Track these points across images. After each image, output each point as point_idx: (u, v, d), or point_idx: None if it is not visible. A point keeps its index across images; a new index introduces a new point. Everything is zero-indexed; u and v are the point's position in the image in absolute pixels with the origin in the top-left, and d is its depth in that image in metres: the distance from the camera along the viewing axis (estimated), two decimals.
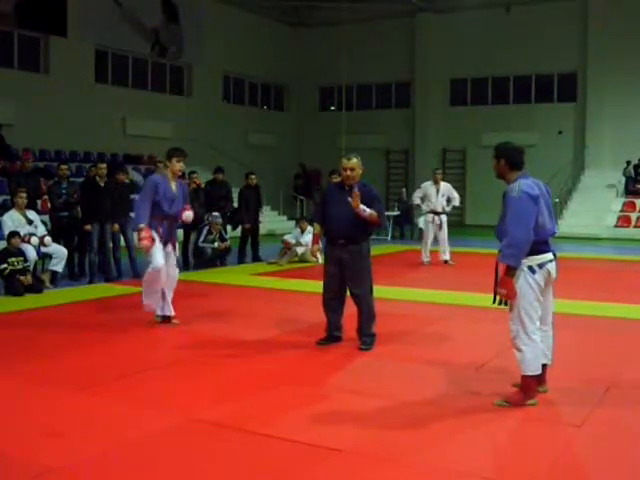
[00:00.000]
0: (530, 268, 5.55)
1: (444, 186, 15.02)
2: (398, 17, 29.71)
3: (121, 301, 10.48)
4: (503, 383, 6.07)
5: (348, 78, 30.19)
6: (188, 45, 26.59)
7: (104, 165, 12.74)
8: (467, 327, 8.92)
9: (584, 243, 20.68)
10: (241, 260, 15.00)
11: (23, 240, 11.07)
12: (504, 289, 5.56)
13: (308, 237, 15.00)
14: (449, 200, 15.06)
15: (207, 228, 14.05)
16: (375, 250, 17.56)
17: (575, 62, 27.50)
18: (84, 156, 21.79)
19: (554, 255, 5.75)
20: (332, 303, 7.68)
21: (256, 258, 15.26)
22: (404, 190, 24.73)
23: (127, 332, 8.23)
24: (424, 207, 15.24)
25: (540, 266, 5.58)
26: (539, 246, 5.58)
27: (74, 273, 12.66)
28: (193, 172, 14.73)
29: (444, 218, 14.98)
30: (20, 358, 7.02)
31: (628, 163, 25.48)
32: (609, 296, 10.77)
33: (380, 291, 10.91)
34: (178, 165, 8.26)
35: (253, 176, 15.22)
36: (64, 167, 13.05)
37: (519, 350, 5.57)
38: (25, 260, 10.99)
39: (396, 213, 22.94)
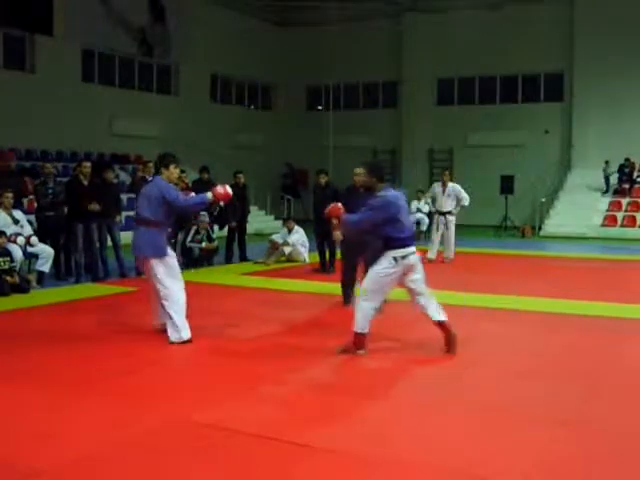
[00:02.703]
0: (394, 258, 7.05)
1: (451, 187, 15.31)
2: (385, 17, 29.74)
3: (108, 301, 10.46)
4: (495, 379, 6.09)
5: (335, 78, 30.22)
6: (175, 44, 26.54)
7: (88, 164, 12.68)
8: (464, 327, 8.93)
9: (570, 242, 20.79)
10: (228, 260, 14.99)
11: (9, 240, 11.03)
12: (334, 211, 7.52)
13: (295, 237, 15.04)
14: (459, 200, 15.26)
15: (194, 228, 14.03)
16: None
17: (561, 62, 27.57)
18: (70, 156, 21.72)
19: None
20: None
21: (243, 258, 15.25)
22: None
23: (115, 332, 8.21)
24: (432, 207, 15.87)
25: (403, 257, 7.08)
26: (403, 241, 7.13)
27: (60, 273, 12.61)
28: (182, 171, 14.70)
29: (450, 218, 15.26)
30: (6, 358, 6.98)
31: (607, 163, 25.50)
32: (595, 295, 10.83)
33: None
34: (176, 172, 7.98)
35: (240, 175, 15.21)
36: (49, 166, 13.00)
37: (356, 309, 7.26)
38: (11, 260, 10.95)
39: None
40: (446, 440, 4.93)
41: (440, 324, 7.30)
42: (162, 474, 4.37)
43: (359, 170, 9.59)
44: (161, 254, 7.71)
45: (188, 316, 7.78)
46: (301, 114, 32.13)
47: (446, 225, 15.25)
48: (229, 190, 7.77)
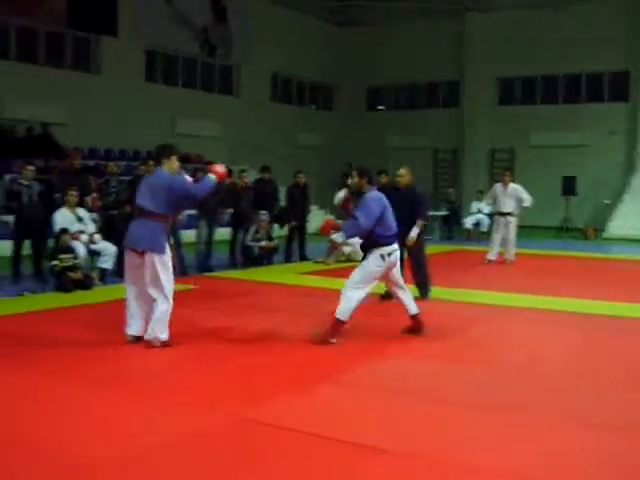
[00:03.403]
0: (381, 256, 7.60)
1: (512, 187, 15.12)
2: (446, 16, 29.51)
3: None
4: (543, 385, 6.01)
5: (395, 77, 30.11)
6: (237, 45, 26.71)
7: (153, 162, 12.82)
8: (513, 328, 8.85)
9: (634, 245, 20.41)
10: (288, 259, 15.04)
11: (73, 237, 11.23)
12: (325, 228, 8.40)
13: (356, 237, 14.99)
14: (520, 201, 15.10)
15: (254, 227, 14.11)
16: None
17: (627, 61, 27.07)
18: (133, 155, 21.99)
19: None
20: None
21: (303, 257, 15.29)
22: (452, 190, 24.58)
23: (173, 326, 8.26)
24: (492, 208, 15.84)
25: (389, 254, 7.62)
26: (389, 239, 7.68)
27: (122, 270, 12.75)
28: (243, 171, 14.84)
29: (511, 219, 15.08)
30: (67, 353, 7.09)
31: None
32: None
33: (437, 292, 10.95)
34: (177, 163, 7.68)
35: (301, 175, 15.26)
36: (113, 165, 13.21)
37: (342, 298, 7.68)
38: (75, 257, 11.15)
39: (444, 213, 22.81)
40: (515, 445, 4.87)
41: (414, 317, 8.03)
42: (214, 472, 4.38)
43: (403, 171, 10.35)
44: (162, 251, 7.35)
45: (246, 314, 7.82)
46: (361, 114, 32.05)
47: (507, 226, 15.08)
48: (224, 168, 7.80)
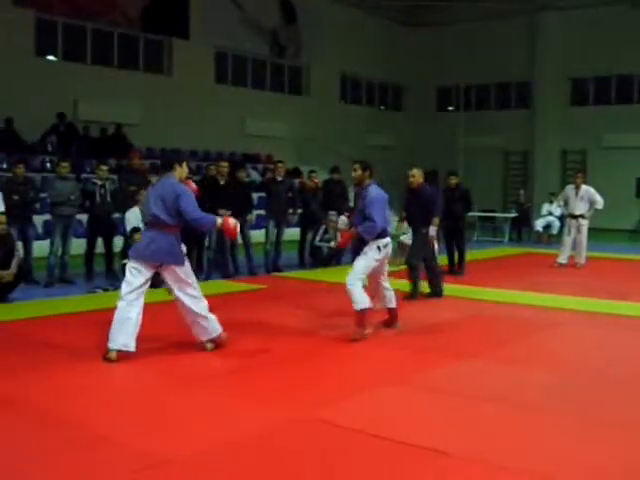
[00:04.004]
0: (378, 247, 7.96)
1: (585, 189, 14.81)
2: (518, 15, 29.09)
3: (235, 297, 10.65)
4: (620, 391, 5.88)
5: (466, 78, 29.85)
6: (306, 45, 26.82)
7: (226, 163, 13.01)
8: (584, 333, 8.69)
9: None
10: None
11: None
12: (346, 241, 8.79)
13: None
14: (592, 204, 14.81)
15: (323, 227, 14.12)
16: (492, 252, 17.46)
17: None
18: (203, 155, 22.23)
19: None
20: None
21: None
22: (522, 192, 24.26)
23: (242, 327, 8.32)
24: (564, 210, 15.63)
25: (385, 246, 8.03)
26: (385, 232, 8.06)
27: (192, 269, 12.90)
28: (312, 172, 14.88)
29: (582, 222, 14.76)
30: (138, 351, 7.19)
31: None
32: None
33: (503, 295, 10.84)
34: (186, 170, 7.36)
35: None
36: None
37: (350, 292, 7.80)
38: None
39: (513, 215, 22.54)
40: (589, 454, 4.76)
41: (392, 310, 8.39)
42: (282, 470, 4.38)
43: (415, 171, 10.69)
44: (183, 262, 7.20)
45: (314, 314, 7.83)
46: (431, 114, 31.82)
47: (578, 229, 14.77)
48: (238, 229, 7.46)
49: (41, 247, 12.37)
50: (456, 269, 13.23)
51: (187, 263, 7.27)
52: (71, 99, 19.90)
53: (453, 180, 13.33)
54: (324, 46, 26.93)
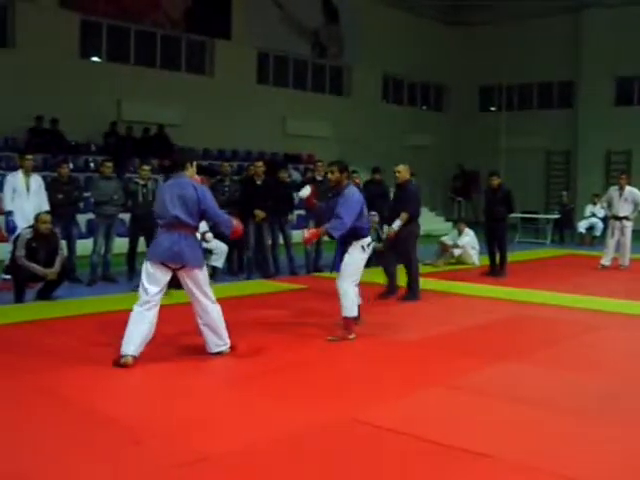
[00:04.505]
0: (362, 247, 7.93)
1: (628, 191, 14.64)
2: (562, 13, 28.76)
3: (276, 297, 10.67)
4: None
5: (508, 77, 29.61)
6: (348, 45, 26.80)
7: (260, 163, 13.04)
8: (629, 336, 8.59)
9: None
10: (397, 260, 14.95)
11: None
12: (312, 237, 8.40)
13: (465, 239, 14.84)
14: (637, 205, 14.63)
15: None
16: (534, 254, 17.31)
17: None
18: (245, 155, 22.33)
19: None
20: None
21: None
22: (565, 193, 24.01)
23: (281, 327, 8.34)
24: (607, 212, 15.39)
25: (368, 245, 8.02)
26: (366, 232, 8.05)
27: (233, 269, 13.00)
28: (354, 172, 14.86)
29: (627, 223, 14.57)
30: (181, 348, 7.24)
31: None
32: None
33: (545, 297, 10.75)
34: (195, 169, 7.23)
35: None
36: (227, 165, 13.45)
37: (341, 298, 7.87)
38: None
39: (556, 216, 22.32)
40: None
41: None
42: (319, 471, 4.39)
43: (401, 167, 10.60)
44: (204, 264, 7.11)
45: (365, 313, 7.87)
46: (473, 115, 31.63)
47: (622, 230, 14.58)
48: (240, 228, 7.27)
49: (84, 246, 12.51)
50: (497, 270, 13.14)
51: (205, 269, 7.11)
52: (114, 99, 20.10)
53: (495, 181, 13.23)
54: (366, 46, 26.90)
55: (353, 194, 7.92)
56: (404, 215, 10.38)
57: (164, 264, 6.76)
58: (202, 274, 6.94)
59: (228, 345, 7.04)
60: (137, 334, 6.61)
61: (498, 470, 4.44)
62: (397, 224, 10.35)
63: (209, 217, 7.12)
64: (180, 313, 7.93)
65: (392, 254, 10.67)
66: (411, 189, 10.68)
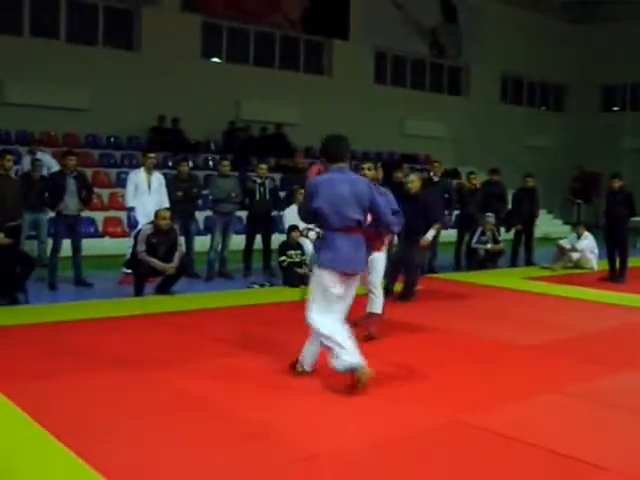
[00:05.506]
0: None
1: None
2: None
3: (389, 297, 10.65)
4: None
5: (633, 76, 28.69)
6: (466, 45, 26.52)
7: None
8: None
9: None
10: (514, 263, 14.75)
11: (302, 234, 11.54)
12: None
13: (584, 243, 14.48)
14: None
15: (480, 229, 13.93)
16: None
17: None
18: (362, 155, 22.35)
19: None
20: None
21: (529, 261, 14.94)
22: None
23: (392, 326, 8.29)
24: None
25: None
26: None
27: None
28: (471, 173, 14.74)
29: None
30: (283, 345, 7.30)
31: None
32: None
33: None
34: None
35: (530, 179, 14.93)
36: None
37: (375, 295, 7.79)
38: (302, 253, 11.49)
39: None
40: None
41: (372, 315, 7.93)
42: (429, 472, 4.36)
43: (413, 177, 10.30)
44: None
45: (466, 317, 7.75)
46: (594, 114, 30.74)
47: None
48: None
49: (202, 242, 12.76)
50: (617, 276, 12.76)
51: None
52: (234, 99, 20.47)
53: (616, 183, 12.85)
54: (484, 45, 26.55)
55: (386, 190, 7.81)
56: (437, 225, 10.45)
57: (346, 272, 6.02)
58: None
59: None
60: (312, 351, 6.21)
61: None
62: (431, 234, 10.21)
63: (377, 216, 6.20)
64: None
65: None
66: (427, 198, 10.30)
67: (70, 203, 10.82)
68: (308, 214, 6.15)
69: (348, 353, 5.76)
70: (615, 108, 30.71)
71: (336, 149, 6.09)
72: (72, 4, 18.42)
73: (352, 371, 5.76)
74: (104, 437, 4.74)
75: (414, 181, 10.13)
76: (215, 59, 21.29)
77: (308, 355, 6.23)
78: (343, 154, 6.06)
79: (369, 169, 7.96)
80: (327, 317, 5.92)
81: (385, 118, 23.55)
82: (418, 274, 10.60)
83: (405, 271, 10.29)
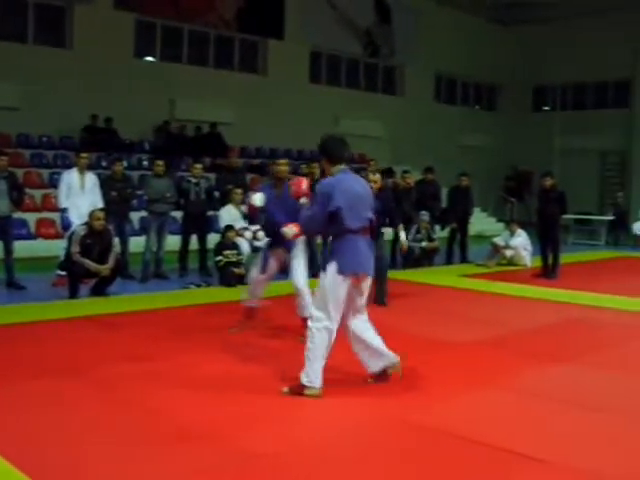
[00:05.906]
0: None
1: None
2: (617, 11, 28.13)
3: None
4: None
5: (562, 77, 29.22)
6: (401, 45, 26.69)
7: (315, 164, 13.03)
8: None
9: None
10: (449, 260, 14.91)
11: (237, 234, 11.52)
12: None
13: (518, 240, 14.71)
14: None
15: (415, 227, 14.05)
16: (587, 256, 17.09)
17: None
18: (297, 154, 22.35)
19: None
20: None
21: (464, 259, 15.12)
22: (620, 194, 23.64)
23: None
24: None
25: None
26: None
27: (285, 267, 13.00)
28: (406, 171, 14.85)
29: None
30: (229, 345, 7.27)
31: None
32: None
33: (598, 299, 10.60)
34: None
35: (464, 177, 15.12)
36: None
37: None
38: (239, 253, 11.46)
39: (610, 218, 22.00)
40: None
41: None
42: (372, 470, 4.38)
43: (378, 177, 9.94)
44: None
45: (406, 315, 7.75)
46: (526, 115, 31.21)
47: None
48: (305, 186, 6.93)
49: (137, 243, 12.63)
50: (550, 272, 12.99)
51: None
52: (168, 99, 20.29)
53: (548, 182, 13.07)
54: (418, 45, 26.76)
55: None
56: (401, 225, 10.56)
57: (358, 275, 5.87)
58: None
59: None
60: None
61: (551, 475, 4.38)
62: (403, 235, 10.53)
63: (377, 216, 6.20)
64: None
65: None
66: (388, 198, 10.13)
67: (1, 204, 10.62)
68: (323, 218, 5.81)
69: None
70: (546, 108, 31.24)
71: (338, 150, 6.01)
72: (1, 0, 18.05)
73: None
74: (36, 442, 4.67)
75: (377, 181, 10.04)
76: (149, 58, 21.05)
77: (367, 360, 6.12)
78: (345, 155, 6.02)
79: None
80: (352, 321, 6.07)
81: (320, 117, 23.54)
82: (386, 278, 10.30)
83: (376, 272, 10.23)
